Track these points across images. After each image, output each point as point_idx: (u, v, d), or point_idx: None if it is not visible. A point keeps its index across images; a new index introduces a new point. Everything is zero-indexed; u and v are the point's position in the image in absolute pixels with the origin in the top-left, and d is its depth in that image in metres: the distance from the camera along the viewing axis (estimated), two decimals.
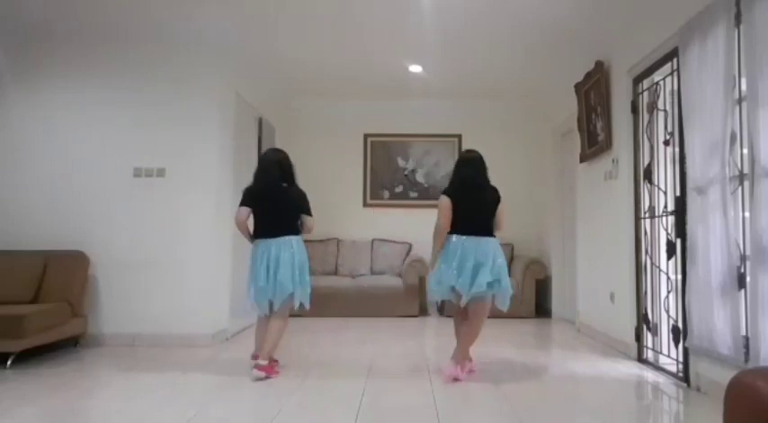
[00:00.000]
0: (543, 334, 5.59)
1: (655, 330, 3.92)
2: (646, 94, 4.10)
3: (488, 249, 3.47)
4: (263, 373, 3.44)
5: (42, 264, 4.39)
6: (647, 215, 4.06)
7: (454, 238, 3.52)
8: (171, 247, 4.63)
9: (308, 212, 3.72)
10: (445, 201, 3.57)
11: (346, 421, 2.67)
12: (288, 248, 3.56)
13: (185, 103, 4.71)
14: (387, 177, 7.22)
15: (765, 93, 2.57)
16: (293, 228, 3.67)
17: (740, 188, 2.91)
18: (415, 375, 3.60)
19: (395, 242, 6.88)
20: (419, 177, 7.27)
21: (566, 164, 6.14)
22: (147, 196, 4.65)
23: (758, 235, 2.60)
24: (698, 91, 3.16)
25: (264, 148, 5.87)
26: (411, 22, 4.68)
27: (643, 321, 4.04)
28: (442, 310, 6.45)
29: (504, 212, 3.64)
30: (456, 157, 7.13)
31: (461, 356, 3.52)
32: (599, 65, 4.74)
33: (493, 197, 3.62)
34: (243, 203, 3.66)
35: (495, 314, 6.20)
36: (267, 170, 3.68)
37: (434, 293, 3.68)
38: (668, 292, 3.73)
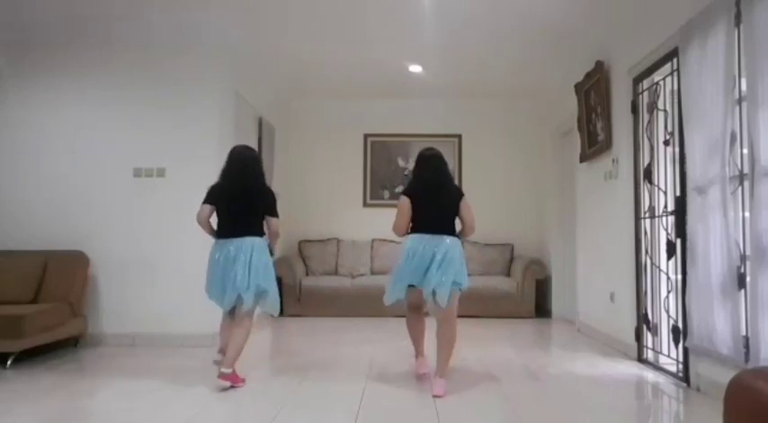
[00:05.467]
0: (543, 334, 5.59)
1: (655, 330, 3.91)
2: (646, 94, 4.09)
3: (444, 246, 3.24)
4: (227, 383, 3.20)
5: (42, 264, 4.39)
6: (647, 215, 4.06)
7: (410, 238, 3.33)
8: (171, 247, 4.62)
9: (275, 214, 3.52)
10: (404, 201, 3.37)
11: (346, 422, 2.67)
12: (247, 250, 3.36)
13: (185, 103, 4.70)
14: (387, 177, 7.22)
15: (765, 93, 2.57)
16: (258, 229, 3.48)
17: (740, 188, 2.90)
18: (415, 376, 3.59)
19: (395, 242, 6.86)
20: None
21: (566, 164, 6.14)
22: (147, 196, 4.65)
23: (758, 235, 2.60)
24: (698, 91, 3.15)
25: (265, 148, 5.89)
26: (411, 21, 4.69)
27: (643, 321, 4.04)
28: None
29: (468, 211, 3.38)
30: (456, 157, 7.21)
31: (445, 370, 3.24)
32: (599, 65, 4.74)
33: (454, 196, 3.40)
34: (207, 201, 3.49)
35: (496, 314, 6.31)
36: (241, 169, 3.50)
37: (390, 294, 3.41)
38: (668, 292, 3.73)
